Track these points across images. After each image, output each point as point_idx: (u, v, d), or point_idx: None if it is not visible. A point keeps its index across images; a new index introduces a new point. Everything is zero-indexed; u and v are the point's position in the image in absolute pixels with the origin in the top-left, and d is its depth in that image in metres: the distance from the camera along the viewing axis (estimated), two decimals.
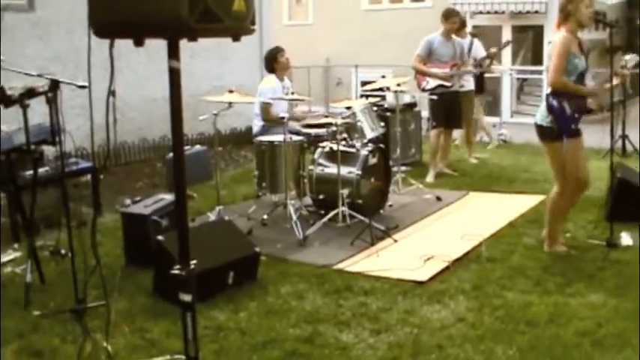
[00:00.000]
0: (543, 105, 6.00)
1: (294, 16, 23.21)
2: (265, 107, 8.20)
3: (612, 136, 6.50)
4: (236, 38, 2.78)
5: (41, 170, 6.41)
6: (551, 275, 5.74)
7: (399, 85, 8.98)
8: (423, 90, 9.78)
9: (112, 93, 3.10)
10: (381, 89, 9.63)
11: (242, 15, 2.71)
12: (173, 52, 2.73)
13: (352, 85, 18.50)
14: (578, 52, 5.96)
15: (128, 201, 6.77)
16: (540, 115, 6.02)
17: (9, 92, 5.16)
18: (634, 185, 7.12)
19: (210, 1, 2.55)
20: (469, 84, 10.59)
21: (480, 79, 11.42)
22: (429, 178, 9.59)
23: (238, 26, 2.75)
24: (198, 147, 9.86)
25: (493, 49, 11.14)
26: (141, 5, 2.56)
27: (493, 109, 14.81)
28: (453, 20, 9.65)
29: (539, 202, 7.86)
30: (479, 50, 10.88)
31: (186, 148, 9.78)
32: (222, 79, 11.75)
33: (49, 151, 5.96)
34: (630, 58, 7.05)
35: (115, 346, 4.49)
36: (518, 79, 18.75)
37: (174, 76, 2.75)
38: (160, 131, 10.94)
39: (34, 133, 5.41)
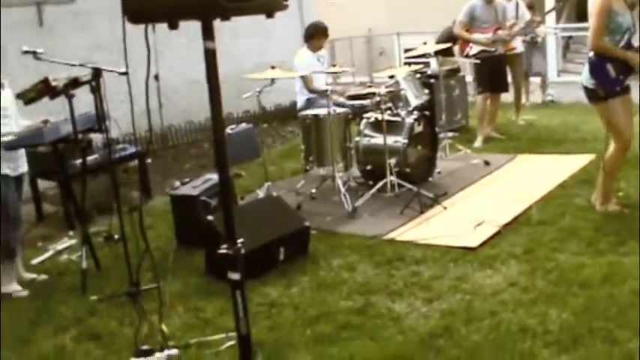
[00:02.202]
0: (587, 67, 5.88)
1: None
2: (307, 79, 8.20)
3: None
4: (270, 15, 2.77)
5: (90, 158, 6.51)
6: (604, 235, 5.66)
7: (449, 47, 8.87)
8: (467, 56, 9.68)
9: (155, 77, 3.13)
10: (424, 55, 9.56)
11: None
12: (207, 33, 2.73)
13: (395, 53, 18.36)
14: (623, 8, 5.80)
15: (177, 183, 6.82)
16: (585, 76, 5.90)
17: (53, 83, 5.24)
18: None
19: None
20: (518, 46, 10.47)
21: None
22: (477, 143, 9.52)
23: (271, 2, 2.75)
24: (244, 125, 9.91)
25: (537, 18, 10.99)
26: None
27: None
28: None
29: (589, 161, 7.77)
30: (525, 13, 10.68)
31: (232, 126, 9.86)
32: (264, 57, 11.73)
33: (96, 138, 6.02)
34: None
35: (171, 327, 4.56)
36: (563, 37, 18.42)
37: (210, 56, 2.76)
38: (206, 112, 10.79)
39: (81, 122, 5.49)
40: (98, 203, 7.26)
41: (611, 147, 6.10)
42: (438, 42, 10.64)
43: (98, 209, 7.22)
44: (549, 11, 10.84)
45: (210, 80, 2.77)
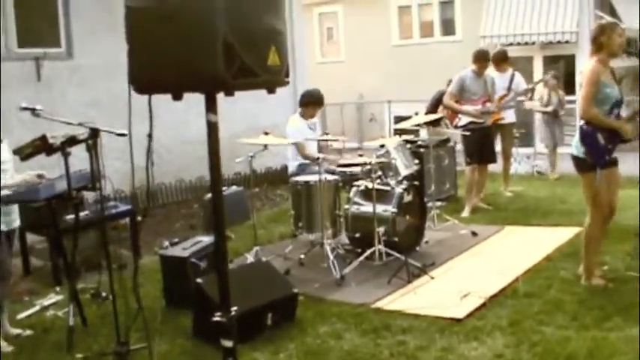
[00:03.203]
0: (577, 136, 6.02)
1: (327, 53, 23.36)
2: (300, 145, 8.30)
3: None
4: (271, 91, 2.88)
5: (82, 214, 6.53)
6: (589, 309, 5.71)
7: (439, 118, 9.06)
8: (456, 127, 9.84)
9: (148, 136, 3.20)
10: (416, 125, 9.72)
11: (277, 69, 2.81)
12: (211, 106, 2.83)
13: (385, 120, 18.56)
14: (611, 81, 5.99)
15: (166, 243, 6.87)
16: (575, 145, 6.05)
17: (51, 141, 5.30)
18: None
19: (246, 57, 2.65)
20: (509, 117, 10.65)
21: None
22: (465, 213, 9.61)
23: (273, 79, 2.85)
24: (234, 188, 9.96)
25: (530, 85, 11.22)
26: (179, 63, 2.66)
27: (527, 140, 14.75)
28: (482, 64, 9.74)
29: (576, 234, 7.81)
30: (520, 84, 10.86)
31: (223, 188, 9.86)
32: (258, 120, 11.88)
33: (89, 194, 6.07)
34: None
35: None
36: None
37: (212, 129, 2.84)
38: (197, 172, 11.08)
39: (75, 180, 5.53)
40: (86, 259, 7.26)
41: (587, 219, 6.24)
42: (429, 109, 10.81)
43: (86, 266, 7.22)
44: (537, 82, 11.03)
45: (211, 152, 2.85)
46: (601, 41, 5.97)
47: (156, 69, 2.71)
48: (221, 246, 3.04)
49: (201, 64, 2.64)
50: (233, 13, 2.64)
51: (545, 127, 13.11)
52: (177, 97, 2.76)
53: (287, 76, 2.90)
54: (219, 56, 2.60)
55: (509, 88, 10.43)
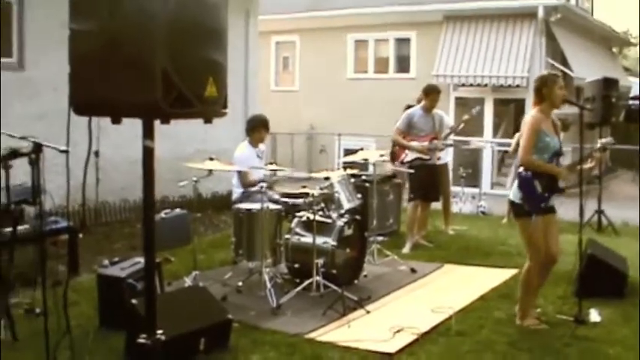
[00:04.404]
0: (516, 181, 6.17)
1: (281, 82, 23.52)
2: (243, 175, 8.34)
3: (581, 214, 6.54)
4: (208, 120, 2.93)
5: (21, 228, 6.49)
6: (518, 350, 5.81)
7: (381, 156, 9.17)
8: (402, 162, 9.96)
9: (95, 153, 3.24)
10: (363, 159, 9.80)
11: (213, 100, 2.87)
12: (148, 132, 2.86)
13: (335, 152, 18.71)
14: (551, 131, 6.15)
15: (106, 262, 6.83)
16: (513, 191, 6.19)
17: None
18: (603, 262, 7.29)
19: (184, 87, 2.70)
20: (444, 157, 10.83)
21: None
22: (406, 249, 9.69)
23: (210, 110, 2.91)
24: (178, 210, 9.94)
25: (454, 125, 11.34)
26: (119, 88, 2.70)
27: (473, 180, 14.98)
28: (433, 97, 9.88)
29: (512, 275, 7.95)
30: (449, 123, 11.05)
31: (167, 211, 9.88)
32: (206, 143, 11.87)
33: (29, 209, 6.04)
34: (606, 142, 7.22)
35: None
36: (499, 151, 19.01)
37: (148, 154, 2.88)
38: (141, 192, 11.01)
39: (16, 193, 5.50)
40: (22, 274, 7.17)
41: (526, 263, 6.36)
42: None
43: (21, 280, 7.13)
44: (463, 120, 11.23)
45: (145, 176, 2.88)
46: (542, 92, 6.15)
47: (95, 92, 2.75)
48: (150, 267, 3.06)
49: (139, 91, 2.68)
50: (173, 43, 2.69)
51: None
52: (115, 120, 2.79)
53: (225, 107, 2.96)
54: (157, 85, 2.65)
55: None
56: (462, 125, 10.80)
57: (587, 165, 6.35)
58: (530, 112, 6.24)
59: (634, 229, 11.70)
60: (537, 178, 6.00)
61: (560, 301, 6.99)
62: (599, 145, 6.94)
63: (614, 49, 30.49)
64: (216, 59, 2.88)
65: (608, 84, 12.25)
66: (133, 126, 3.03)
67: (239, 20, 13.90)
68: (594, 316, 6.55)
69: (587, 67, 19.55)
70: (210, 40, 2.85)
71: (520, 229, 6.29)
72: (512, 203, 6.23)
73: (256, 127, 8.66)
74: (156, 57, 2.65)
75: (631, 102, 29.54)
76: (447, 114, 11.06)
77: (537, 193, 6.00)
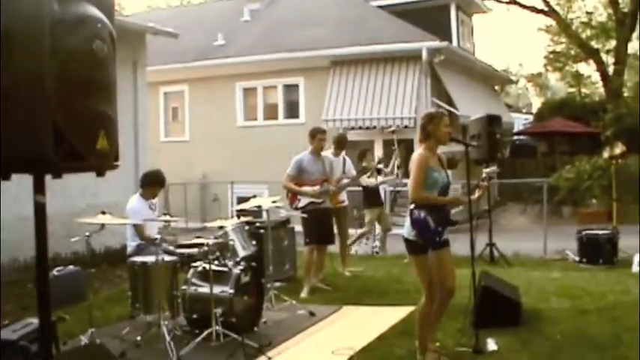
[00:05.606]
0: (408, 219, 6.25)
1: (171, 132, 23.42)
2: (139, 228, 8.25)
3: (472, 247, 6.73)
4: (100, 174, 2.92)
5: None
6: None
7: (274, 202, 9.23)
8: (296, 208, 10.02)
9: None
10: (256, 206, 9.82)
11: (105, 152, 2.86)
12: (39, 187, 2.83)
13: (229, 201, 18.67)
14: (438, 166, 6.32)
15: None
16: (406, 228, 6.28)
17: None
18: (497, 292, 7.50)
19: (75, 141, 2.69)
20: (345, 199, 10.99)
21: (371, 194, 12.42)
22: (304, 293, 9.72)
23: (102, 163, 2.90)
24: (71, 267, 9.72)
25: (364, 164, 11.64)
26: (8, 143, 2.66)
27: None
28: (319, 137, 10.02)
29: (410, 312, 8.03)
30: (351, 168, 11.27)
31: (59, 268, 9.65)
32: (98, 197, 11.72)
33: None
34: (490, 171, 7.48)
35: None
36: (391, 191, 19.31)
37: (40, 210, 2.84)
38: (32, 251, 10.67)
39: None
40: None
41: (422, 299, 6.45)
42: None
43: None
44: (363, 169, 11.50)
45: (38, 233, 2.84)
46: (428, 130, 6.33)
47: None
48: (46, 327, 3.00)
49: (29, 145, 2.66)
50: (63, 97, 2.68)
51: None
52: (5, 177, 2.75)
53: (116, 160, 2.95)
54: (47, 139, 2.64)
55: (344, 171, 10.81)
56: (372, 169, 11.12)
57: (476, 195, 6.53)
58: (418, 150, 6.39)
59: (524, 258, 12.12)
60: (429, 213, 6.11)
61: (458, 333, 7.12)
62: (484, 175, 7.17)
63: (497, 87, 31.55)
64: (107, 112, 2.89)
65: (492, 121, 12.68)
66: (20, 183, 2.99)
67: (127, 72, 13.83)
68: (491, 345, 6.71)
69: (471, 106, 20.19)
70: (100, 94, 2.86)
71: (415, 265, 6.40)
72: (406, 240, 6.31)
73: (151, 184, 8.64)
74: (46, 110, 2.63)
75: (515, 137, 30.66)
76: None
77: (431, 228, 6.11)
